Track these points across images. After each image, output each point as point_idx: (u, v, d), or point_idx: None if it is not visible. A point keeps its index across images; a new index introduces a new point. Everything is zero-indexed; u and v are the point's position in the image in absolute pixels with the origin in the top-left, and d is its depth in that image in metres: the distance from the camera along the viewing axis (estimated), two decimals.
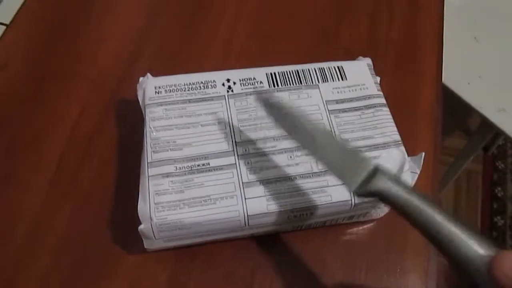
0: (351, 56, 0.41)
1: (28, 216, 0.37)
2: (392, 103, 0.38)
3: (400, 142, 0.36)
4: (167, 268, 0.35)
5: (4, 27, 0.51)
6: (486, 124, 0.85)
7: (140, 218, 0.31)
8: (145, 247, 0.33)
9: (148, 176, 0.33)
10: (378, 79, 0.39)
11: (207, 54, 0.46)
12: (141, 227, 0.31)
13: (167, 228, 0.32)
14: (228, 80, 0.38)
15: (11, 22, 0.49)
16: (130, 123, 0.40)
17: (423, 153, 0.35)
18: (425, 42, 0.49)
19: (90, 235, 0.36)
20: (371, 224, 0.38)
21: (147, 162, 0.33)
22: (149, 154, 0.34)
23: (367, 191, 0.26)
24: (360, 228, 0.38)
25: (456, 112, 1.26)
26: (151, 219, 0.31)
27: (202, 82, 0.37)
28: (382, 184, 0.26)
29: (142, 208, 0.32)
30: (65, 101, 0.42)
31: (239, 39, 0.47)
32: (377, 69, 0.40)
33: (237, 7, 0.50)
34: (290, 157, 0.34)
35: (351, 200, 0.33)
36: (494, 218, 1.28)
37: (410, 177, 0.34)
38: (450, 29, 0.88)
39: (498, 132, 0.85)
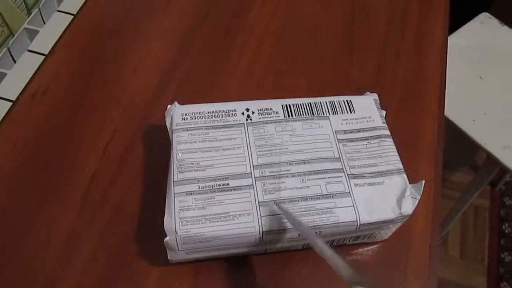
0: (360, 91, 0.45)
1: (63, 228, 0.40)
2: (396, 136, 0.42)
3: (402, 170, 0.39)
4: (186, 281, 0.38)
5: (42, 57, 0.56)
6: (491, 160, 0.88)
7: (166, 231, 0.35)
8: (169, 258, 0.36)
9: (174, 194, 0.36)
10: (384, 112, 0.43)
11: (229, 85, 0.50)
12: (166, 239, 0.35)
13: (190, 241, 0.35)
14: (247, 110, 0.42)
15: (50, 51, 0.54)
16: (157, 146, 0.44)
17: (423, 181, 0.38)
18: (429, 81, 0.53)
19: (118, 248, 0.39)
20: (376, 245, 0.41)
21: (173, 181, 0.37)
22: (175, 174, 0.37)
23: None
24: (365, 249, 0.41)
25: (462, 148, 1.28)
26: (176, 232, 0.35)
27: (224, 111, 0.41)
28: None
29: (168, 222, 0.35)
30: (99, 125, 0.46)
31: (259, 72, 0.52)
32: (384, 104, 0.44)
33: (258, 43, 0.54)
34: (302, 180, 0.38)
35: (357, 221, 0.36)
36: (502, 254, 1.28)
37: (411, 203, 0.37)
38: (457, 68, 0.93)
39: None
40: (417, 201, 0.37)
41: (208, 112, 0.41)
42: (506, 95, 0.92)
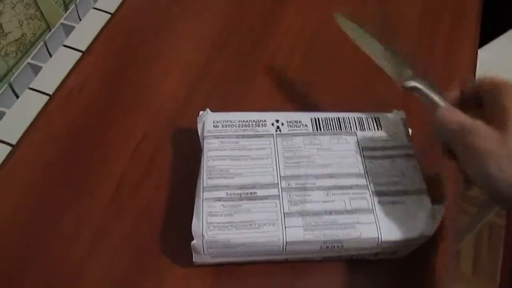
0: (385, 107, 0.46)
1: (91, 223, 0.42)
2: (420, 152, 0.42)
3: (425, 190, 0.39)
4: (207, 282, 0.40)
5: (77, 52, 0.57)
6: None
7: (193, 234, 0.36)
8: (194, 260, 0.37)
9: (203, 199, 0.37)
10: (410, 131, 0.44)
11: (256, 95, 0.51)
12: (193, 242, 0.36)
13: (216, 246, 0.36)
14: (277, 121, 0.43)
15: (87, 49, 0.55)
16: (185, 149, 0.45)
17: (445, 203, 0.38)
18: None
19: (143, 247, 0.41)
20: (394, 263, 0.41)
21: (203, 187, 0.38)
22: (205, 180, 0.38)
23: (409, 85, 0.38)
24: (385, 265, 0.41)
25: None
26: (203, 236, 0.36)
27: (254, 121, 0.42)
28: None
29: (196, 226, 0.36)
30: (130, 126, 0.48)
31: (286, 84, 0.53)
32: (411, 122, 0.45)
33: (287, 56, 0.55)
34: (327, 194, 0.38)
35: (379, 238, 0.37)
36: None
37: (432, 224, 0.38)
38: None
39: None
40: (438, 222, 0.38)
41: (239, 121, 0.42)
42: None
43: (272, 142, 0.41)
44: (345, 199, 0.38)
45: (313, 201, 0.38)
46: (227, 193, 0.38)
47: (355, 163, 0.41)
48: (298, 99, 0.52)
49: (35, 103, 0.52)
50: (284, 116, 0.43)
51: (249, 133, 0.41)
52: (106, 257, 0.40)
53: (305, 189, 0.39)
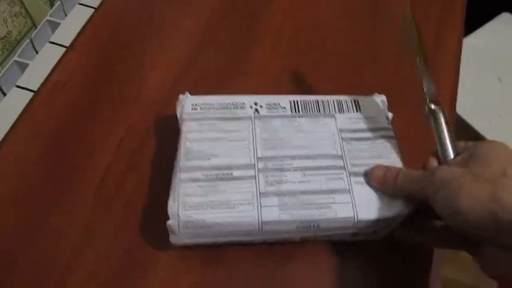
0: (371, 92, 0.46)
1: (78, 218, 0.42)
2: (408, 139, 0.42)
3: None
4: (196, 273, 0.40)
5: (63, 49, 0.57)
6: None
7: (169, 214, 0.36)
8: (171, 241, 0.37)
9: (179, 179, 0.38)
10: (391, 115, 0.44)
11: (245, 84, 0.51)
12: (169, 222, 0.36)
13: (191, 226, 0.36)
14: (256, 104, 0.43)
15: (71, 45, 0.55)
16: (170, 141, 0.45)
17: None
18: (441, 86, 0.53)
19: (130, 239, 0.41)
20: (379, 246, 0.41)
21: (180, 167, 0.38)
22: (182, 161, 0.39)
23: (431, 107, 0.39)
24: (369, 247, 0.41)
25: None
26: (178, 216, 0.36)
27: (233, 103, 0.43)
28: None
29: (172, 206, 0.36)
30: (115, 119, 0.48)
31: (274, 72, 0.52)
32: (397, 107, 0.45)
33: (274, 44, 0.55)
34: (304, 175, 0.39)
35: (355, 217, 0.37)
36: None
37: (410, 203, 0.37)
38: (475, 69, 0.92)
39: None
40: (415, 201, 0.38)
41: (218, 104, 0.42)
42: None
43: (250, 124, 0.41)
44: (322, 180, 0.38)
45: (289, 181, 0.38)
46: (203, 174, 0.38)
47: (333, 145, 0.41)
48: (286, 87, 0.51)
49: (22, 100, 0.52)
50: (263, 99, 0.43)
51: (227, 115, 0.42)
52: (95, 251, 0.40)
53: (281, 169, 0.39)
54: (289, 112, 0.42)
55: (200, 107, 0.42)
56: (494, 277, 0.32)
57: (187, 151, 0.39)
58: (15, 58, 0.58)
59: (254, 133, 0.41)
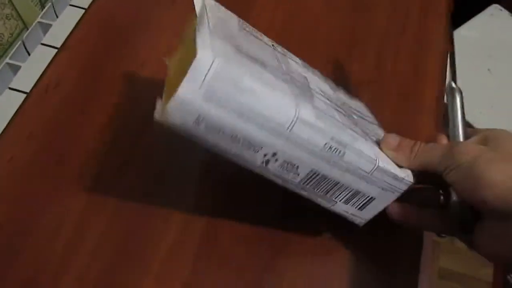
0: (360, 85, 0.46)
1: (73, 217, 0.42)
2: (394, 130, 0.43)
3: None
4: (188, 266, 0.41)
5: (55, 50, 0.58)
6: None
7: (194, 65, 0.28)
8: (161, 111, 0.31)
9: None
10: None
11: None
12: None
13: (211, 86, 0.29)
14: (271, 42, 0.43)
15: (62, 46, 0.56)
16: (163, 138, 0.46)
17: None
18: (428, 76, 0.53)
19: (125, 235, 0.42)
20: (368, 235, 0.41)
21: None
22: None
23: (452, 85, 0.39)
24: (357, 238, 0.42)
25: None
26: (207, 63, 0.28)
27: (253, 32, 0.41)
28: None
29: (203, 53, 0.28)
30: (107, 118, 0.48)
31: None
32: (382, 98, 0.45)
33: (264, 31, 0.55)
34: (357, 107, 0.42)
35: (377, 160, 0.35)
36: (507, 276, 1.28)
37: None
38: (465, 60, 0.93)
39: None
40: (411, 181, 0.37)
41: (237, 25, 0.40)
42: None
43: (271, 48, 0.41)
44: (353, 120, 0.38)
45: (321, 106, 0.35)
46: (232, 46, 0.32)
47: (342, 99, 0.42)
48: None
49: (15, 102, 0.52)
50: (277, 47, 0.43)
51: (250, 33, 0.41)
52: (89, 249, 0.41)
53: (311, 93, 0.36)
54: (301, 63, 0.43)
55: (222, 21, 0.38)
56: (490, 256, 0.34)
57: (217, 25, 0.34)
58: (7, 60, 0.59)
59: (276, 55, 0.38)
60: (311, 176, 0.35)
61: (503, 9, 1.02)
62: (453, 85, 0.39)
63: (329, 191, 0.37)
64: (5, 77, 0.58)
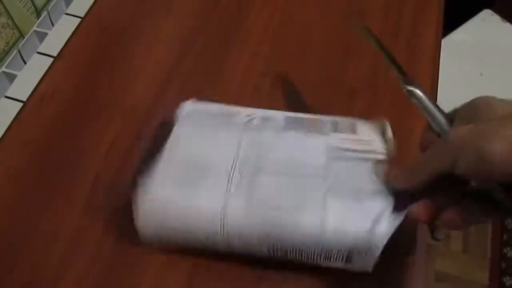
0: (354, 93, 0.47)
1: (69, 225, 0.43)
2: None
3: (385, 194, 0.36)
4: (184, 273, 0.41)
5: (51, 59, 0.58)
6: None
7: (138, 201, 0.37)
8: (136, 226, 0.37)
9: (157, 170, 0.38)
10: (392, 140, 0.41)
11: (228, 88, 0.52)
12: (135, 211, 0.37)
13: (156, 214, 0.37)
14: (250, 115, 0.42)
15: (58, 55, 0.56)
16: (158, 147, 0.46)
17: (405, 212, 0.35)
18: (420, 81, 0.54)
19: (120, 243, 0.42)
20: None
21: (162, 156, 0.39)
22: (166, 151, 0.39)
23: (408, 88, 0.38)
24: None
25: None
26: (145, 201, 0.37)
27: (228, 112, 0.43)
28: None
29: (141, 192, 0.37)
30: (102, 127, 0.49)
31: (256, 74, 0.54)
32: (377, 106, 0.46)
33: (256, 47, 0.56)
34: (279, 182, 0.38)
35: (322, 232, 0.35)
36: (504, 249, 1.29)
37: (387, 228, 0.35)
38: (457, 64, 0.94)
39: None
40: (394, 228, 0.35)
41: (213, 111, 0.43)
42: (506, 92, 0.93)
43: (240, 130, 0.41)
44: (296, 191, 0.37)
45: (263, 186, 0.37)
46: (181, 168, 0.38)
47: (318, 158, 0.39)
48: (269, 89, 0.53)
49: (11, 110, 0.53)
50: (258, 112, 0.43)
51: (220, 122, 0.42)
52: (85, 256, 0.42)
53: (257, 173, 0.38)
54: (282, 126, 0.42)
55: (197, 113, 0.43)
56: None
57: (173, 144, 0.40)
58: (3, 69, 0.59)
59: (242, 139, 0.40)
60: (273, 250, 0.37)
61: (494, 14, 1.03)
62: (409, 88, 0.38)
63: (302, 255, 0.37)
64: (1, 86, 0.58)
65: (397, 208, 0.36)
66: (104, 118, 0.50)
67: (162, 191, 0.37)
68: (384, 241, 0.35)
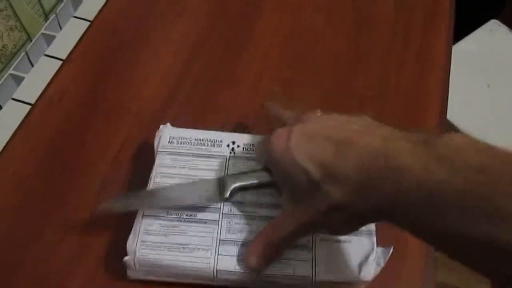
0: (364, 101, 0.46)
1: (74, 231, 0.42)
2: None
3: (373, 232, 0.38)
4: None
5: (59, 61, 0.58)
6: None
7: (127, 250, 0.36)
8: (128, 275, 0.38)
9: (143, 215, 0.38)
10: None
11: (237, 94, 0.52)
12: (125, 258, 0.36)
13: (147, 264, 0.36)
14: (233, 143, 0.42)
15: (67, 58, 0.56)
16: None
17: (391, 248, 0.37)
18: (430, 92, 0.54)
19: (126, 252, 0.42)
20: None
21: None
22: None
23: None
24: None
25: None
26: (135, 253, 0.36)
27: (210, 140, 0.42)
28: None
29: (130, 242, 0.37)
30: (111, 131, 0.49)
31: (265, 81, 0.53)
32: (386, 113, 0.45)
33: (265, 54, 0.56)
34: None
35: (313, 277, 0.36)
36: None
37: (372, 269, 0.36)
38: (464, 75, 0.93)
39: None
40: (379, 268, 0.36)
41: (195, 139, 0.42)
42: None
43: (224, 164, 0.40)
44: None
45: (252, 231, 0.37)
46: (167, 212, 0.38)
47: None
48: (278, 96, 0.52)
49: (18, 113, 0.52)
50: (241, 138, 0.42)
51: (202, 152, 0.41)
52: (90, 265, 0.41)
53: (246, 217, 0.38)
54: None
55: (177, 141, 0.41)
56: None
57: (155, 186, 0.39)
58: (11, 71, 0.59)
59: (226, 174, 0.39)
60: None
61: (502, 24, 1.03)
62: None
63: None
64: (9, 88, 0.58)
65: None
66: (112, 122, 0.49)
67: (150, 245, 0.36)
68: (369, 280, 0.36)
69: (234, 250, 0.36)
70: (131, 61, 0.55)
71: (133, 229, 0.37)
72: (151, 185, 0.39)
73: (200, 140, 0.42)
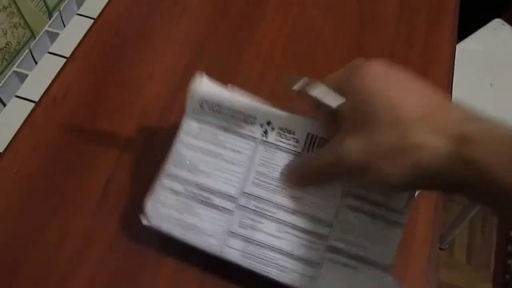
0: None
1: (78, 229, 0.43)
2: None
3: (388, 267, 0.36)
4: (196, 280, 0.41)
5: (62, 59, 0.58)
6: None
7: (144, 214, 0.38)
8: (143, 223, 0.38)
9: (161, 184, 0.38)
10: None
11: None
12: (143, 221, 0.38)
13: (161, 230, 0.38)
14: (269, 123, 0.37)
15: (71, 56, 0.56)
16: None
17: (398, 283, 0.36)
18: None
19: (129, 249, 0.42)
20: None
21: (165, 171, 0.38)
22: (169, 166, 0.38)
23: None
24: None
25: None
26: (150, 220, 0.38)
27: (244, 114, 0.37)
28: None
29: (147, 209, 0.38)
30: (114, 130, 0.49)
31: (268, 81, 0.53)
32: None
33: (268, 54, 0.56)
34: (280, 230, 0.36)
35: None
36: (508, 261, 1.28)
37: None
38: (467, 74, 0.93)
39: None
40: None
41: (228, 109, 0.37)
42: None
43: (253, 148, 0.37)
44: (296, 242, 0.36)
45: (263, 231, 0.36)
46: (185, 189, 0.37)
47: (327, 208, 0.36)
48: (281, 96, 0.52)
49: (22, 110, 0.52)
50: (278, 120, 0.37)
51: (233, 127, 0.37)
52: (93, 263, 0.41)
53: (261, 215, 0.37)
54: (300, 148, 0.37)
55: (209, 107, 0.38)
56: None
57: (178, 157, 0.38)
58: (14, 68, 0.59)
59: (252, 161, 0.37)
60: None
61: (505, 23, 1.02)
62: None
63: None
64: (12, 85, 0.58)
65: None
66: (116, 120, 0.49)
67: (164, 217, 0.38)
68: None
69: (240, 245, 0.36)
70: (134, 60, 0.55)
71: (150, 194, 0.38)
72: (173, 154, 0.38)
73: (234, 111, 0.37)
